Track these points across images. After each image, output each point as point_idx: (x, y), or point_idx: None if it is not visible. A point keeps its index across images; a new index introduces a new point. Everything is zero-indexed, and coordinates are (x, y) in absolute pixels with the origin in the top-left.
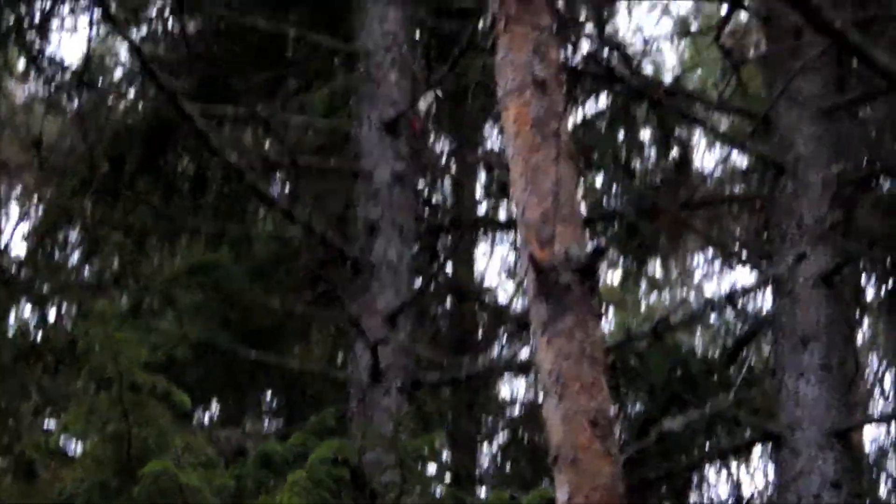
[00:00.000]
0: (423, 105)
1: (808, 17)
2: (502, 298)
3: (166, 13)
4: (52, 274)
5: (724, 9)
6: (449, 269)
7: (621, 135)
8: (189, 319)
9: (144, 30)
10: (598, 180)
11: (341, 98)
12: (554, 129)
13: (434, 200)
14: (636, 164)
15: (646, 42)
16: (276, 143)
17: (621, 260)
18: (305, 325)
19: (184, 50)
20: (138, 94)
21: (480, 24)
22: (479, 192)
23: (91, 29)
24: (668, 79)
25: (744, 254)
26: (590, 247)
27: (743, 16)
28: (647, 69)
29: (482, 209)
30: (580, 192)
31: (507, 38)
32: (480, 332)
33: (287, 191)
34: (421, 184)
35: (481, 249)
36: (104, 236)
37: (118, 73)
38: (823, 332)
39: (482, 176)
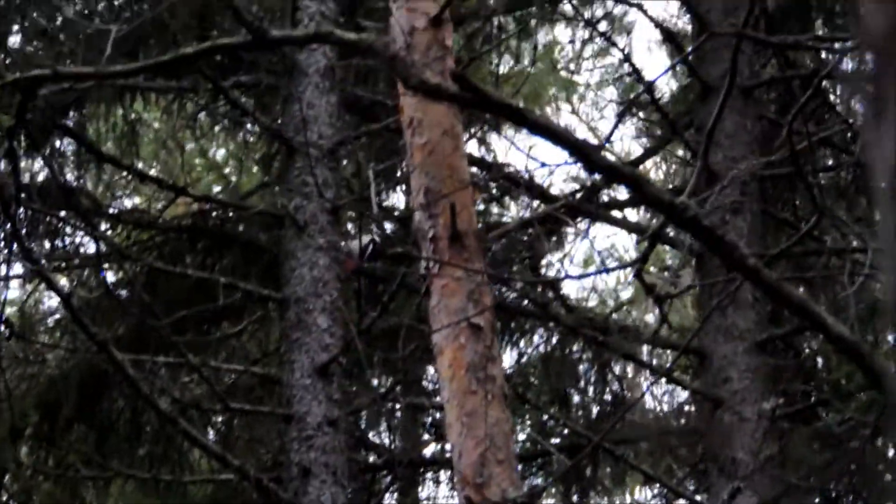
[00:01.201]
0: (354, 245)
1: (723, 255)
2: None
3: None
4: None
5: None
6: None
7: (557, 372)
8: None
9: (75, 278)
10: (536, 418)
11: (273, 343)
12: (489, 372)
13: (372, 440)
14: (573, 400)
15: (580, 277)
16: (208, 389)
17: (563, 496)
18: None
19: (115, 298)
20: (70, 342)
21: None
22: (419, 430)
23: (21, 280)
24: (606, 312)
25: (684, 487)
26: (526, 488)
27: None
28: (584, 304)
29: (430, 448)
30: (515, 434)
31: (441, 284)
32: None
33: (220, 435)
34: (357, 424)
35: (429, 489)
36: (37, 485)
37: (50, 321)
38: None
39: (424, 415)
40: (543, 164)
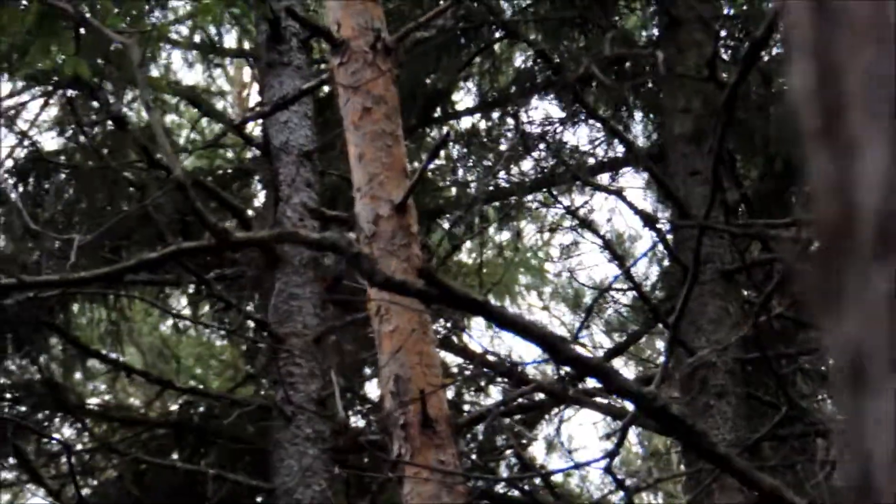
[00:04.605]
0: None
1: (693, 444)
2: None
3: None
4: None
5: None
6: None
7: None
8: None
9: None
10: None
11: None
12: None
13: None
14: None
15: (546, 474)
16: None
17: None
18: None
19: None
20: None
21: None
22: None
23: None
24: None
25: None
26: None
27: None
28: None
29: None
30: None
31: (413, 471)
32: None
33: None
34: None
35: None
36: None
37: None
38: None
39: None
40: (514, 364)
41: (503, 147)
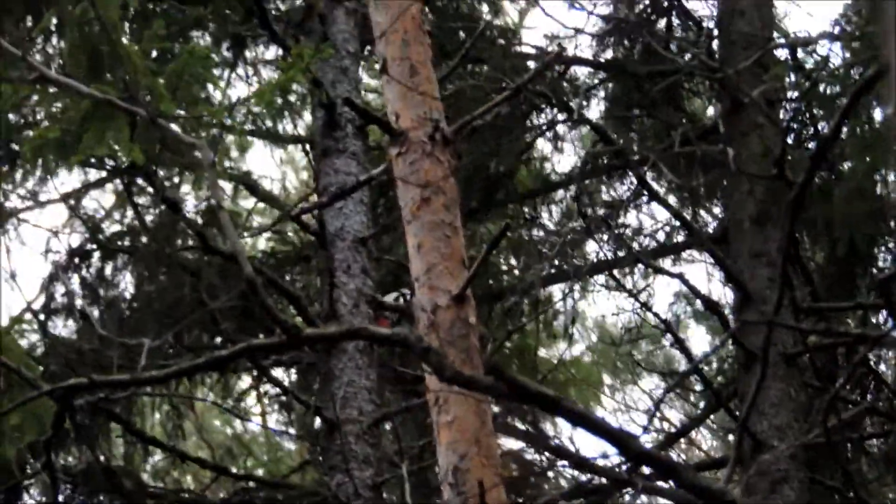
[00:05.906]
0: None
1: None
2: None
3: None
4: None
5: None
6: None
7: None
8: None
9: None
10: None
11: None
12: None
13: None
14: None
15: None
16: None
17: None
18: None
19: None
20: None
21: None
22: None
23: None
24: None
25: None
26: None
27: None
28: None
29: None
30: None
31: None
32: None
33: None
34: None
35: None
36: None
37: None
38: None
39: None
40: (580, 461)
41: (565, 229)
